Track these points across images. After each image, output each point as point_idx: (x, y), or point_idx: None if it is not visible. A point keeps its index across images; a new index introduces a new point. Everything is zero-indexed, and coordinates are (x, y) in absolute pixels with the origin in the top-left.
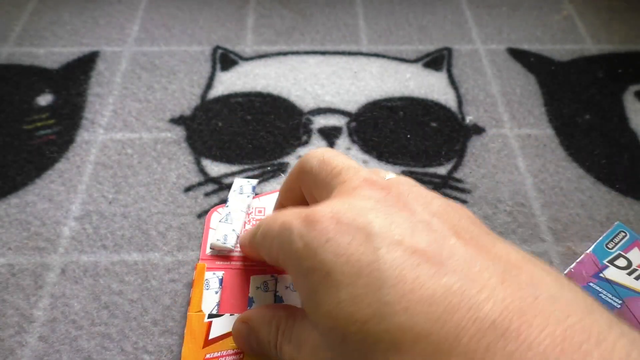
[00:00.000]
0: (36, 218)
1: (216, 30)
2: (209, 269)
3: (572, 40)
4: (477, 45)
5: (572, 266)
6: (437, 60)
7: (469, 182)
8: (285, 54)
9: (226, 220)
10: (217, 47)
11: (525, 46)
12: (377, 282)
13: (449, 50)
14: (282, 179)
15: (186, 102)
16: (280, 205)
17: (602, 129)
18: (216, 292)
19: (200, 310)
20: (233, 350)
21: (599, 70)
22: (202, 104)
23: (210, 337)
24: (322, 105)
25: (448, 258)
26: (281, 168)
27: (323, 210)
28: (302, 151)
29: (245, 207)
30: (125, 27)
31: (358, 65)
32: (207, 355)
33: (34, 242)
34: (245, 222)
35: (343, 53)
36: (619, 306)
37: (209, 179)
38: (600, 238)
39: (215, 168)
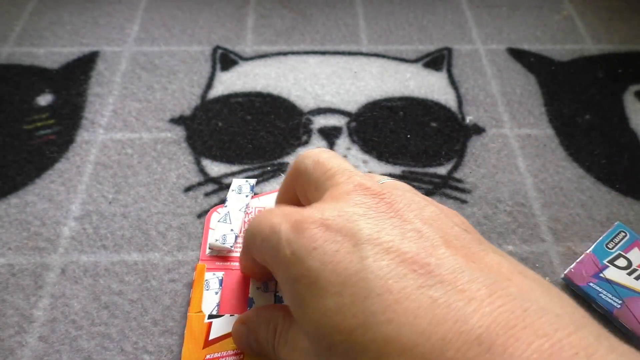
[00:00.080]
0: (36, 218)
1: (216, 30)
2: (209, 269)
3: (572, 40)
4: (477, 45)
5: (572, 266)
6: (437, 60)
7: (469, 182)
8: (285, 54)
9: (225, 220)
10: (217, 47)
11: (525, 46)
12: (363, 292)
13: (449, 50)
14: (282, 179)
15: (186, 102)
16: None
17: (602, 129)
18: (216, 293)
19: (201, 311)
20: (233, 350)
21: (599, 70)
22: (202, 104)
23: (211, 337)
24: (322, 105)
25: (436, 268)
26: (281, 168)
27: (313, 215)
28: (302, 151)
29: (244, 206)
30: (125, 27)
31: (358, 65)
32: (208, 356)
33: (34, 242)
34: (244, 222)
35: (343, 53)
36: (619, 306)
37: (209, 179)
38: (601, 238)
39: (215, 168)
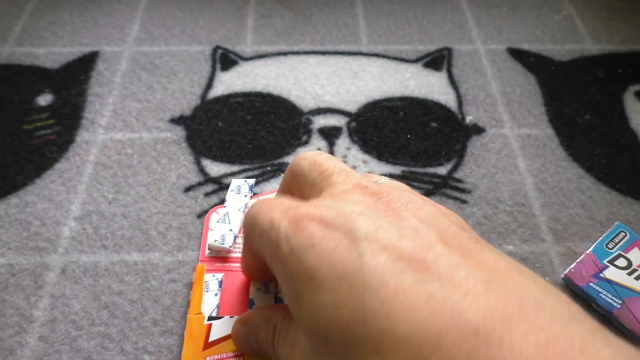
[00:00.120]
0: (36, 218)
1: (216, 30)
2: (209, 270)
3: (572, 40)
4: (477, 45)
5: (572, 266)
6: (437, 60)
7: (469, 182)
8: (285, 54)
9: (224, 220)
10: (217, 47)
11: (525, 46)
12: (360, 287)
13: (449, 50)
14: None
15: (186, 102)
16: None
17: (602, 129)
18: (216, 294)
19: (200, 313)
20: (233, 352)
21: (599, 70)
22: (202, 104)
23: (210, 339)
24: (322, 105)
25: (433, 264)
26: (281, 168)
27: (311, 212)
28: (302, 151)
29: (243, 206)
30: (125, 27)
31: (358, 65)
32: (208, 358)
33: (34, 242)
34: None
35: (343, 53)
36: (619, 306)
37: (209, 179)
38: (601, 238)
39: (215, 168)
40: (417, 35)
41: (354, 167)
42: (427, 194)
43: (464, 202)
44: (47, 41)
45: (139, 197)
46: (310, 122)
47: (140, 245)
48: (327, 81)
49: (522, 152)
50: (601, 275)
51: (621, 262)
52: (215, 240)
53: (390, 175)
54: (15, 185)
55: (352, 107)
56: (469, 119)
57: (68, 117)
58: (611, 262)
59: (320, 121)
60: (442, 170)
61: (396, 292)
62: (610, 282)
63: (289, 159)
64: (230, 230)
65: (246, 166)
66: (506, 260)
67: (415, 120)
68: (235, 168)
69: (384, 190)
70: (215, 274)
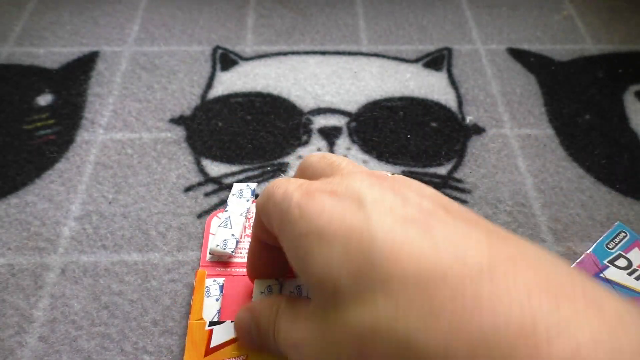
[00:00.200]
0: (36, 218)
1: (216, 30)
2: (210, 275)
3: (572, 40)
4: (477, 45)
5: (572, 266)
6: (437, 60)
7: (469, 182)
8: (285, 54)
9: (225, 225)
10: (217, 47)
11: (525, 46)
12: (368, 239)
13: (449, 50)
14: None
15: (186, 102)
16: None
17: (602, 129)
18: (217, 300)
19: (201, 318)
20: (235, 357)
21: (599, 70)
22: (202, 104)
23: (212, 345)
24: (322, 105)
25: (437, 224)
26: (281, 168)
27: (323, 187)
28: (302, 151)
29: (245, 211)
30: (125, 27)
31: (358, 65)
32: None
33: (34, 242)
34: (245, 227)
35: (343, 53)
36: None
37: (209, 179)
38: (601, 238)
39: (215, 168)
40: (417, 35)
41: None
42: None
43: (464, 202)
44: (47, 41)
45: (139, 197)
46: (310, 122)
47: (140, 245)
48: (327, 81)
49: (522, 152)
50: (601, 275)
51: (621, 262)
52: (217, 245)
53: None
54: (15, 185)
55: (352, 107)
56: (469, 119)
57: (68, 117)
58: (611, 262)
59: (320, 121)
60: (442, 170)
61: (403, 244)
62: (610, 282)
63: (289, 159)
64: (232, 235)
65: (246, 166)
66: (506, 230)
67: (415, 120)
68: (235, 168)
69: (389, 177)
70: (216, 279)
